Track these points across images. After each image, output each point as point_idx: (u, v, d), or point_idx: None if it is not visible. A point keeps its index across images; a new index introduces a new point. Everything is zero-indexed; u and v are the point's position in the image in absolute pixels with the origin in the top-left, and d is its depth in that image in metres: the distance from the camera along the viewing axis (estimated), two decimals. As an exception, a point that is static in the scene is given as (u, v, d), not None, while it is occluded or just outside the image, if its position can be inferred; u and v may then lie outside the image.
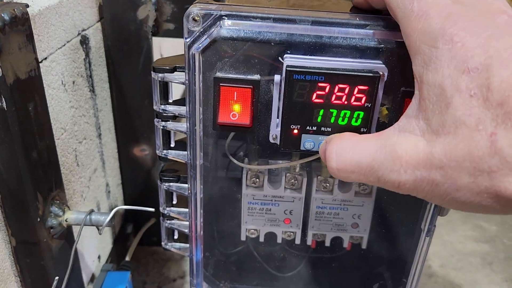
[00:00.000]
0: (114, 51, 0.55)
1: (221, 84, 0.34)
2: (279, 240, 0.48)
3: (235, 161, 0.42)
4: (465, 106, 0.23)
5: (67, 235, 0.45)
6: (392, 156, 0.26)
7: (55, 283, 0.37)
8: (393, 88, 0.35)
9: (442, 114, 0.24)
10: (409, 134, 0.26)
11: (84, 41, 0.50)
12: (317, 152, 0.36)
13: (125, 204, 0.65)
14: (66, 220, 0.43)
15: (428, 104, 0.25)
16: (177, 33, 0.54)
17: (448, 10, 0.25)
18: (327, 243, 0.48)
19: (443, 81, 0.24)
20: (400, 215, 0.45)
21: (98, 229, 0.43)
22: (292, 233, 0.47)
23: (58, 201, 0.43)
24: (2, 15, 0.33)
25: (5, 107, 0.35)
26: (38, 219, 0.40)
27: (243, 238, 0.48)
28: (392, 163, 0.26)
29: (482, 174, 0.23)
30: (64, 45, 0.45)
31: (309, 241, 0.48)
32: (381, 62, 0.34)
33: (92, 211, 0.43)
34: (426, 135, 0.25)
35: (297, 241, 0.48)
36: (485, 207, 0.24)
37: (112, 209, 0.61)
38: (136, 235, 0.65)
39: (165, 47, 0.80)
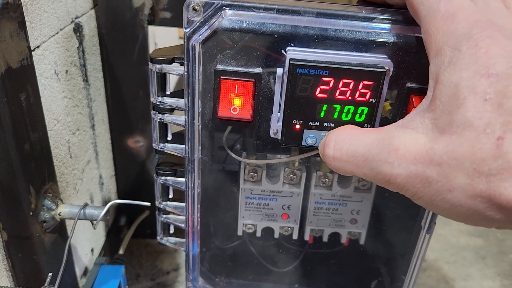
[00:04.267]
0: (108, 40, 0.53)
1: (221, 77, 0.33)
2: (276, 235, 0.47)
3: (233, 155, 0.41)
4: (477, 109, 0.23)
5: (60, 229, 0.44)
6: (388, 147, 0.26)
7: (48, 279, 0.36)
8: (397, 83, 0.34)
9: (452, 114, 0.23)
10: (411, 130, 0.26)
11: (78, 29, 0.48)
12: (317, 148, 0.35)
13: (119, 197, 0.64)
14: (59, 214, 0.42)
15: (439, 104, 0.24)
16: (174, 22, 0.52)
17: (476, 16, 0.25)
18: (325, 239, 0.47)
19: (459, 82, 0.23)
20: (399, 212, 0.45)
21: (92, 223, 0.42)
22: (289, 228, 0.47)
23: (51, 194, 0.42)
24: (-7, 1, 0.32)
25: (-4, 97, 0.33)
26: (31, 213, 0.39)
27: (239, 233, 0.47)
28: (387, 155, 0.26)
29: (480, 176, 0.22)
30: (57, 33, 0.44)
31: (307, 237, 0.47)
32: (386, 56, 0.33)
33: (86, 204, 0.42)
34: (430, 133, 0.25)
35: (295, 237, 0.47)
36: (473, 213, 0.24)
37: (105, 202, 0.60)
38: (130, 228, 0.64)
39: (159, 36, 0.78)
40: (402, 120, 0.27)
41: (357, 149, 0.28)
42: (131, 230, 0.64)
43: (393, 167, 0.25)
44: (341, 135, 0.29)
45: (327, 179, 0.44)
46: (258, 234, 0.47)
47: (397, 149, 0.25)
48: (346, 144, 0.28)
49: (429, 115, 0.25)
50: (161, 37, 0.80)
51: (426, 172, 0.24)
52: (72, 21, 0.47)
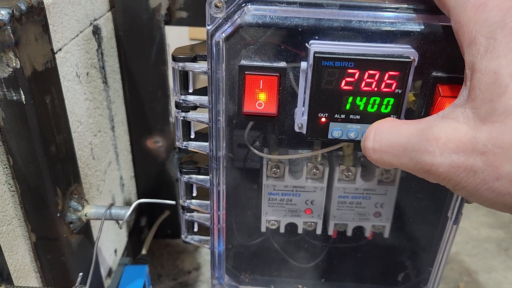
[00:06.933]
0: (126, 41, 0.54)
1: (246, 72, 0.33)
2: (299, 231, 0.47)
3: (256, 151, 0.41)
4: None
5: (86, 230, 0.45)
6: (428, 137, 0.25)
7: (79, 279, 0.36)
8: (423, 73, 0.34)
9: (493, 102, 0.23)
10: (452, 120, 0.25)
11: (96, 31, 0.49)
12: (343, 141, 0.35)
13: (138, 197, 0.65)
14: (85, 215, 0.42)
15: (478, 93, 0.24)
16: (190, 21, 0.52)
17: (508, 3, 0.24)
18: (349, 233, 0.47)
19: (498, 69, 0.23)
20: (423, 203, 0.45)
21: (118, 223, 0.43)
22: (313, 224, 0.46)
23: (76, 196, 0.42)
24: (19, 4, 0.32)
25: (23, 100, 0.34)
26: (58, 215, 0.40)
27: (263, 229, 0.47)
28: (427, 144, 0.25)
29: None
30: (77, 35, 0.44)
31: (330, 231, 0.47)
32: (410, 46, 0.33)
33: (111, 205, 0.42)
34: (471, 122, 0.24)
35: (318, 232, 0.47)
36: None
37: (126, 203, 0.61)
38: (151, 228, 0.65)
39: (171, 38, 0.78)
40: (443, 112, 0.27)
41: (396, 139, 0.27)
42: (153, 230, 0.64)
43: (434, 156, 0.25)
44: (380, 127, 0.29)
45: (350, 173, 0.43)
46: (282, 230, 0.47)
47: (438, 138, 0.25)
48: (385, 135, 0.28)
49: (469, 104, 0.25)
50: (173, 40, 0.80)
51: (470, 161, 0.24)
52: (91, 24, 0.47)
